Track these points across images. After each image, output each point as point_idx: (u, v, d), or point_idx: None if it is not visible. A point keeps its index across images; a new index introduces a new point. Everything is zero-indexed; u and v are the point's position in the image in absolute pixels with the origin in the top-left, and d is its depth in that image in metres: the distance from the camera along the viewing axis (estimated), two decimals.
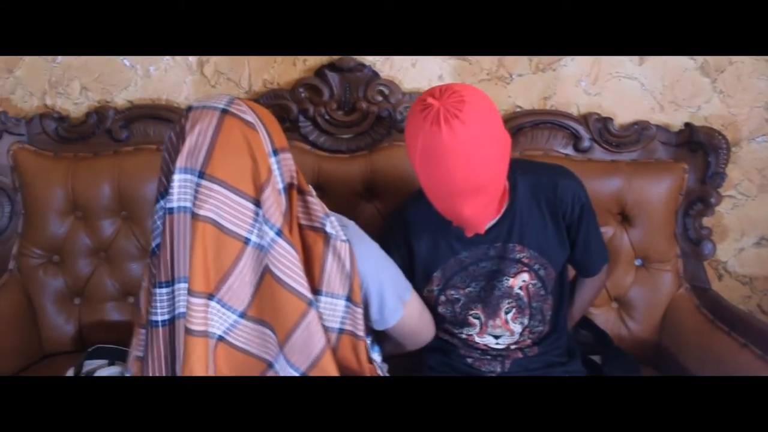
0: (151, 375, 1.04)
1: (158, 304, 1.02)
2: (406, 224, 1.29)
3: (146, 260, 1.09)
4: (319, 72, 1.64)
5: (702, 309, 1.53)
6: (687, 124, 1.63)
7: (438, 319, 1.33)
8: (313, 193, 1.14)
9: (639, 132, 1.63)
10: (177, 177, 1.00)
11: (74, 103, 1.70)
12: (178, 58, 1.66)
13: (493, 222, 1.24)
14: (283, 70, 1.67)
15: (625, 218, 1.61)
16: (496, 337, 1.31)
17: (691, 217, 1.62)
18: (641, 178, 1.58)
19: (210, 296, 1.01)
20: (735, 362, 1.34)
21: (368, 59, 1.64)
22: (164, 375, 1.03)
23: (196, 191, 0.99)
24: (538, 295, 1.29)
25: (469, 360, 1.34)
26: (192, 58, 1.67)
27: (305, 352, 1.06)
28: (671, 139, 1.64)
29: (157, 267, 1.02)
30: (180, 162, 1.00)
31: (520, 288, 1.28)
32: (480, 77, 1.67)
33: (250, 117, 1.03)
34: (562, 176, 1.28)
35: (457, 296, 1.30)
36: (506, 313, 1.30)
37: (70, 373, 1.30)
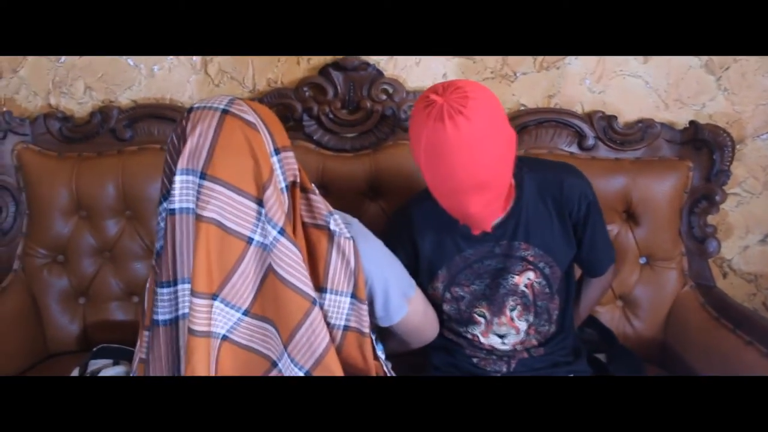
0: (152, 375, 1.04)
1: (160, 304, 1.02)
2: (411, 222, 1.29)
3: (151, 261, 1.09)
4: (323, 71, 1.64)
5: (707, 307, 1.53)
6: (692, 122, 1.62)
7: (443, 317, 1.33)
8: (316, 191, 1.14)
9: (643, 130, 1.63)
10: (178, 178, 1.00)
11: (78, 102, 1.70)
12: (182, 57, 1.67)
13: (499, 219, 1.23)
14: (287, 69, 1.67)
15: (629, 216, 1.61)
16: (501, 336, 1.31)
17: (695, 214, 1.62)
18: (646, 176, 1.58)
19: (213, 296, 1.01)
20: (740, 360, 1.34)
21: (372, 58, 1.64)
22: (166, 375, 1.03)
23: (198, 192, 0.99)
24: (543, 294, 1.29)
25: (475, 360, 1.33)
26: (196, 58, 1.67)
27: (309, 351, 1.06)
28: (676, 137, 1.64)
29: (160, 268, 1.03)
30: (181, 163, 1.00)
31: (525, 286, 1.28)
32: (484, 76, 1.67)
33: (250, 117, 1.03)
34: (569, 174, 1.28)
35: (462, 294, 1.29)
36: (511, 310, 1.30)
37: (75, 372, 1.30)
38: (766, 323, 1.39)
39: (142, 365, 1.08)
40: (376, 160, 1.61)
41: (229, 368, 1.05)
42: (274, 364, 1.08)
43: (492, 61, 1.66)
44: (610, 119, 1.63)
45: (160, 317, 1.03)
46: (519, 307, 1.29)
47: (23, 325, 1.59)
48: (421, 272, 1.29)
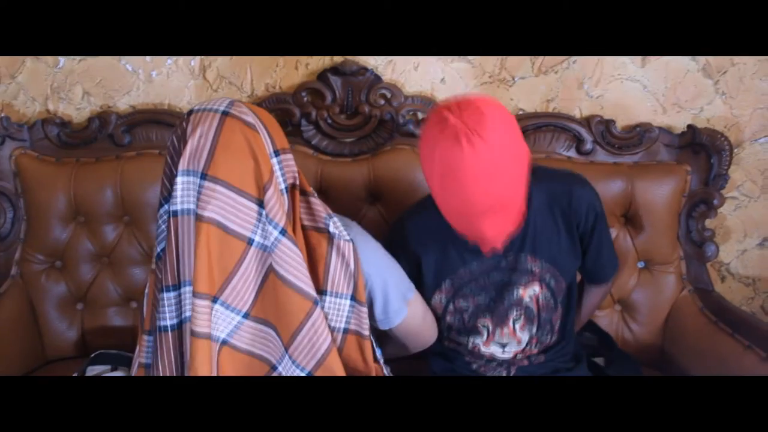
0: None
1: (165, 309, 1.02)
2: (410, 236, 1.27)
3: (151, 265, 1.09)
4: (322, 76, 1.64)
5: (705, 311, 1.53)
6: (689, 126, 1.63)
7: (445, 327, 1.31)
8: (315, 194, 1.14)
9: (641, 134, 1.63)
10: (180, 180, 1.00)
11: (76, 108, 1.70)
12: (181, 62, 1.66)
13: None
14: (286, 74, 1.67)
15: (628, 220, 1.61)
16: (503, 345, 1.30)
17: (693, 218, 1.62)
18: (644, 180, 1.58)
19: (214, 299, 1.00)
20: (739, 364, 1.34)
21: (370, 63, 1.65)
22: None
23: (199, 193, 0.99)
24: (547, 308, 1.27)
25: (474, 366, 1.32)
26: (194, 63, 1.67)
27: (311, 352, 1.06)
28: (674, 141, 1.64)
29: (163, 271, 1.02)
30: (182, 164, 1.00)
31: (530, 299, 1.26)
32: (482, 80, 1.67)
33: (250, 118, 1.03)
34: (577, 184, 1.25)
35: (466, 305, 1.28)
36: (514, 322, 1.28)
37: None
38: (764, 327, 1.40)
39: (143, 369, 1.08)
40: (375, 164, 1.61)
41: (230, 372, 1.04)
42: (274, 368, 1.08)
43: (490, 66, 1.66)
44: (608, 123, 1.64)
45: (168, 322, 1.02)
46: (522, 319, 1.27)
47: (21, 331, 1.58)
48: (424, 284, 1.27)
